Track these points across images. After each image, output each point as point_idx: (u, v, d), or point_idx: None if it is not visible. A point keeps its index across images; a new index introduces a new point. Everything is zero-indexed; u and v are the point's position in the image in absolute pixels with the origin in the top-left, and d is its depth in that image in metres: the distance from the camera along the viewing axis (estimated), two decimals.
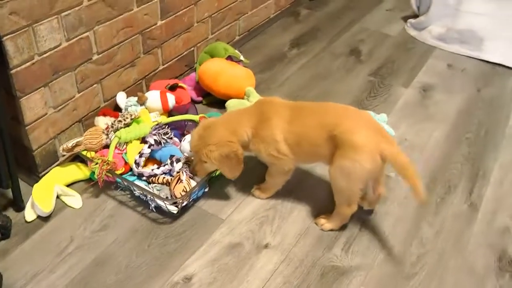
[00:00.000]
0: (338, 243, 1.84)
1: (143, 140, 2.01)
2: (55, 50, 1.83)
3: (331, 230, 1.87)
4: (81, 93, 2.01)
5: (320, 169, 2.09)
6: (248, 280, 1.70)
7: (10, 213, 1.88)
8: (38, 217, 1.89)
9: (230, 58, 2.48)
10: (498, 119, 2.50)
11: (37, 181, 1.94)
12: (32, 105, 1.83)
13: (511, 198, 2.06)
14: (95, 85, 2.06)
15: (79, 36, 1.90)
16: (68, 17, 1.83)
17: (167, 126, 2.03)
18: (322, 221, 1.88)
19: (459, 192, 2.07)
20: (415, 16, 3.30)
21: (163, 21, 2.27)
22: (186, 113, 2.19)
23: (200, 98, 2.43)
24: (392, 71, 2.81)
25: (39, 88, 1.83)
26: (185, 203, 1.86)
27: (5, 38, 1.65)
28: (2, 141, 1.72)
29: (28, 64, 1.76)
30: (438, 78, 2.77)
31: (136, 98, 2.16)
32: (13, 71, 1.72)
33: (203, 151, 1.79)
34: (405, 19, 3.34)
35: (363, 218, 1.91)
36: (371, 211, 1.94)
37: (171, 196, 1.86)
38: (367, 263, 1.77)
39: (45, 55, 1.80)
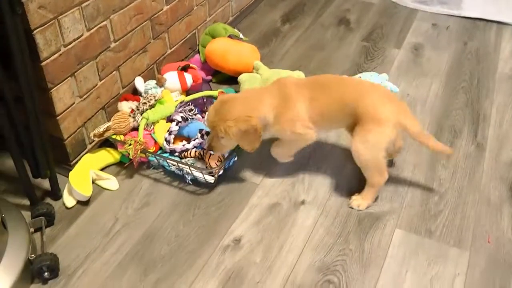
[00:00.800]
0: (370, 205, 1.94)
1: (169, 119, 2.10)
2: (78, 40, 1.90)
3: (368, 207, 1.91)
4: (102, 81, 2.08)
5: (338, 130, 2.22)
6: (293, 234, 1.82)
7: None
8: (78, 202, 1.96)
9: (230, 37, 2.58)
10: (487, 67, 2.68)
11: (69, 170, 2.00)
12: (61, 96, 1.90)
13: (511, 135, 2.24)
14: (114, 72, 2.13)
15: (98, 26, 1.97)
16: (88, 8, 1.89)
17: (190, 103, 2.12)
18: (355, 202, 1.91)
19: (465, 135, 2.24)
20: None
21: (168, 6, 2.35)
22: (201, 91, 2.28)
23: (209, 77, 2.53)
24: (382, 35, 2.96)
25: (66, 78, 1.90)
26: (221, 171, 1.96)
27: (35, 31, 1.71)
28: (40, 132, 1.78)
29: (56, 55, 1.82)
30: (426, 37, 2.94)
31: (154, 81, 2.24)
32: (43, 64, 1.78)
33: (220, 127, 1.78)
34: None
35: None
36: (392, 162, 2.08)
37: (206, 167, 1.95)
38: (396, 207, 1.91)
39: (70, 46, 1.87)
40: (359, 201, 1.91)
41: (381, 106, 1.77)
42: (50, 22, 1.76)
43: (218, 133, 1.80)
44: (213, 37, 2.58)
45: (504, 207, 1.91)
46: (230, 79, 2.52)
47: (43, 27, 1.73)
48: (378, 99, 1.79)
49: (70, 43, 1.87)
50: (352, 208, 1.91)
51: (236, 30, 2.67)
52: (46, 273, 1.67)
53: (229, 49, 2.44)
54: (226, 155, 1.97)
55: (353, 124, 1.82)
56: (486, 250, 1.76)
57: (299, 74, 2.38)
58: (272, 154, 2.02)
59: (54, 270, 1.69)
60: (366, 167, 1.84)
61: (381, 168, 1.83)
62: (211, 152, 1.93)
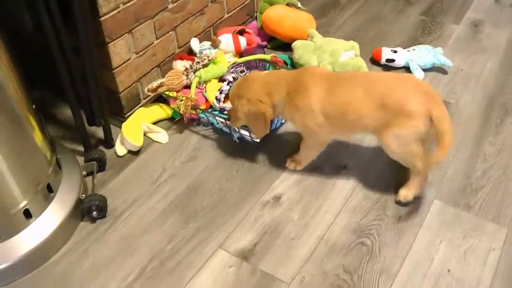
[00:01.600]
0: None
1: (221, 79, 2.16)
2: None
3: (415, 197, 1.83)
4: (159, 40, 2.16)
5: None
6: (331, 197, 1.87)
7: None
8: (129, 152, 2.07)
9: (288, 5, 2.61)
10: None
11: (123, 122, 2.10)
12: (118, 51, 1.99)
13: None
14: (170, 32, 2.20)
15: None
16: None
17: (243, 65, 2.18)
18: (402, 194, 1.82)
19: None
20: None
21: None
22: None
23: (264, 43, 2.58)
24: (442, 10, 2.91)
25: (123, 34, 1.98)
26: (268, 130, 2.02)
27: None
28: (96, 84, 1.88)
29: (114, 12, 1.90)
30: (487, 14, 2.87)
31: (209, 43, 2.31)
32: (102, 19, 1.87)
33: (236, 102, 1.82)
34: None
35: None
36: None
37: None
38: (437, 180, 1.92)
39: (128, 4, 1.95)
40: (405, 192, 1.82)
41: (411, 99, 1.66)
42: None
43: (234, 107, 1.85)
44: (271, 4, 2.61)
45: None
46: (284, 46, 2.55)
47: None
48: (408, 92, 1.69)
49: (129, 1, 1.94)
50: (400, 201, 1.83)
51: None
52: (94, 212, 1.79)
53: (285, 16, 2.48)
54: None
55: (382, 125, 1.71)
56: None
57: (353, 45, 2.40)
58: (288, 167, 1.99)
59: (103, 210, 1.81)
60: (403, 159, 1.78)
61: (418, 155, 1.73)
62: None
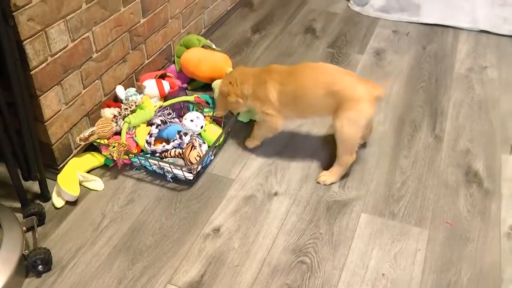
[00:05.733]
0: (335, 183, 2.14)
1: (149, 123, 2.25)
2: (64, 50, 2.04)
3: (332, 183, 2.14)
4: (86, 89, 2.22)
5: (307, 126, 2.41)
6: (267, 222, 1.98)
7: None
8: (67, 203, 2.09)
9: (203, 47, 2.75)
10: (444, 67, 2.90)
11: (57, 174, 2.12)
12: (49, 103, 2.03)
13: (467, 127, 2.45)
14: (96, 81, 2.28)
15: (81, 37, 2.12)
16: (72, 20, 2.04)
17: (169, 108, 2.28)
18: (322, 178, 2.14)
19: (424, 129, 2.43)
20: None
21: (145, 19, 2.52)
22: (178, 97, 2.44)
23: (185, 85, 2.69)
24: (346, 42, 3.16)
25: (53, 86, 2.03)
26: (199, 168, 2.12)
27: (25, 42, 1.85)
28: (31, 137, 1.91)
29: (44, 65, 1.96)
30: (387, 43, 3.15)
31: (134, 89, 2.40)
32: (32, 72, 1.92)
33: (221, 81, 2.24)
34: None
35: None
36: (365, 144, 2.31)
37: (186, 164, 2.11)
38: (362, 194, 2.09)
39: (56, 56, 2.01)
40: (326, 176, 2.14)
41: (355, 86, 2.00)
42: (38, 34, 1.90)
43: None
44: (187, 48, 2.74)
45: (460, 190, 2.11)
46: (204, 86, 2.70)
47: (32, 38, 1.87)
48: (351, 80, 2.02)
49: (57, 53, 2.01)
50: (319, 183, 2.14)
51: (208, 41, 2.84)
52: (40, 266, 1.79)
53: (202, 58, 2.61)
54: (204, 152, 2.14)
55: (333, 109, 2.03)
56: (444, 227, 1.95)
57: None
58: (245, 144, 2.32)
59: (48, 263, 1.81)
60: (343, 143, 2.06)
61: (353, 147, 2.06)
62: (196, 145, 2.14)
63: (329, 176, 2.14)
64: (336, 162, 2.13)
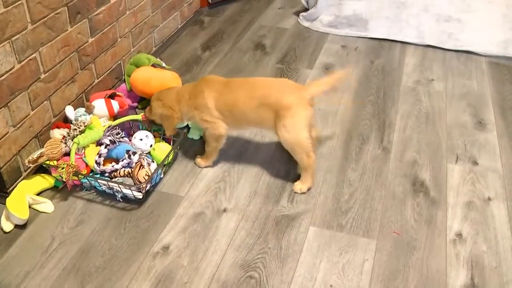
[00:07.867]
0: (283, 197, 2.19)
1: (98, 143, 2.25)
2: (10, 72, 2.03)
3: (309, 189, 2.21)
4: (34, 111, 2.21)
5: (255, 143, 2.44)
6: (217, 238, 2.00)
7: None
8: (16, 226, 2.07)
9: (153, 66, 2.76)
10: (392, 81, 2.98)
11: (6, 197, 2.11)
12: None
13: (414, 139, 2.53)
14: (45, 102, 2.27)
15: (28, 58, 2.11)
16: (17, 41, 2.04)
17: (117, 127, 2.29)
18: (297, 187, 2.21)
19: (372, 141, 2.50)
20: (305, 10, 3.74)
21: (93, 38, 2.53)
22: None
23: (135, 104, 2.70)
24: (295, 57, 3.22)
25: (0, 109, 2.03)
26: (148, 186, 2.13)
27: None
28: None
29: None
30: (336, 58, 3.22)
31: (83, 109, 2.40)
32: None
33: (153, 102, 2.27)
34: (297, 13, 3.78)
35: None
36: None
37: (135, 183, 2.12)
38: (310, 208, 2.13)
39: (2, 78, 2.00)
40: (300, 185, 2.21)
41: (285, 96, 2.07)
42: None
43: (151, 106, 2.29)
44: (137, 66, 2.75)
45: (407, 200, 2.17)
46: None
47: None
48: (282, 91, 2.10)
49: (3, 75, 2.00)
50: (296, 192, 2.21)
51: (158, 59, 2.86)
52: None
53: (152, 77, 2.61)
54: (153, 170, 2.15)
55: (271, 120, 2.11)
56: (392, 237, 2.01)
57: None
58: (196, 163, 2.35)
59: None
60: (294, 150, 2.12)
61: (306, 149, 2.11)
62: (144, 164, 2.14)
63: (302, 183, 2.20)
64: (301, 169, 2.19)
